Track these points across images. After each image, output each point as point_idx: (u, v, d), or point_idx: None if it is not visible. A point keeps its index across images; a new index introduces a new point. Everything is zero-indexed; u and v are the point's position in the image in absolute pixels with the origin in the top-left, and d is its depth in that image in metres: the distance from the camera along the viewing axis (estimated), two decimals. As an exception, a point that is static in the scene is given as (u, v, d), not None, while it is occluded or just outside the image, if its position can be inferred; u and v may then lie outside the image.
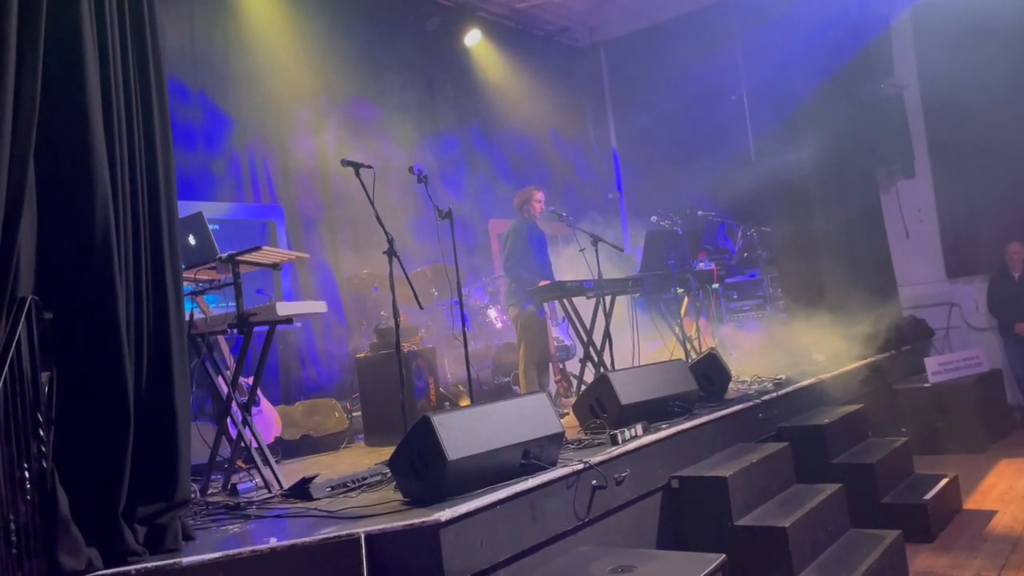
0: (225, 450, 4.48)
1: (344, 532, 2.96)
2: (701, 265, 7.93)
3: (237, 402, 4.28)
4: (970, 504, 5.78)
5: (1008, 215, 8.66)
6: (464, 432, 3.38)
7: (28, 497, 2.63)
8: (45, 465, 2.69)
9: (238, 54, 7.47)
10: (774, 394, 5.69)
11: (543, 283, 6.47)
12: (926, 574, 4.56)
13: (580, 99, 11.55)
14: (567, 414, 5.26)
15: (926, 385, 7.58)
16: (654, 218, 7.66)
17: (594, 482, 3.79)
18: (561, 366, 7.83)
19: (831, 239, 8.05)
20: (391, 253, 4.62)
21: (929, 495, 5.28)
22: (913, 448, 6.10)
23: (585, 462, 3.78)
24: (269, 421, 5.78)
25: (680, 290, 7.29)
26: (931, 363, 7.72)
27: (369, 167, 4.73)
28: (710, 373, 5.54)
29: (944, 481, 5.56)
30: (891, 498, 5.32)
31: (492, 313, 7.99)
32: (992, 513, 5.50)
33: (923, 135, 9.42)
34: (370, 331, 6.93)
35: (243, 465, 4.57)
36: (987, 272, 8.88)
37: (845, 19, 8.52)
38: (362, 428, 6.46)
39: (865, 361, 7.28)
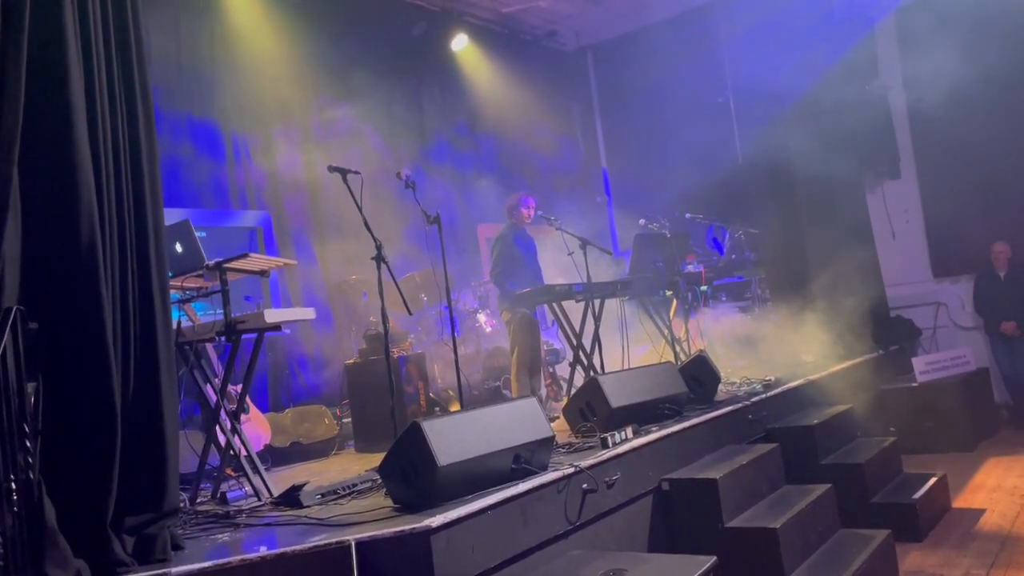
0: (214, 458, 4.45)
1: (334, 539, 2.95)
2: (690, 267, 7.96)
3: (226, 410, 4.26)
4: (959, 503, 5.81)
5: (993, 215, 8.72)
6: (454, 438, 3.38)
7: (15, 509, 2.60)
8: (32, 476, 2.67)
9: (224, 61, 7.45)
10: (763, 395, 5.72)
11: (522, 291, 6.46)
12: (916, 573, 4.58)
13: (568, 103, 11.57)
14: (557, 418, 5.26)
15: (914, 385, 7.61)
16: (642, 221, 7.69)
17: (585, 486, 3.79)
18: (551, 370, 7.84)
19: (818, 240, 8.08)
20: (379, 259, 4.61)
21: (918, 494, 5.31)
22: (902, 447, 6.14)
23: (576, 466, 3.78)
24: (258, 429, 5.75)
25: (669, 293, 7.31)
26: (918, 363, 7.76)
27: (356, 173, 4.72)
28: (699, 375, 5.56)
29: (933, 480, 5.59)
30: (880, 498, 5.34)
31: (482, 318, 7.99)
32: (981, 511, 5.53)
33: (908, 136, 9.48)
34: (359, 337, 6.91)
35: (232, 473, 4.55)
36: (973, 271, 8.93)
37: (829, 21, 8.58)
38: (352, 434, 6.44)
39: (853, 361, 7.31)
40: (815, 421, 5.58)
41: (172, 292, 3.73)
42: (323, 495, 3.86)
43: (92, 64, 3.09)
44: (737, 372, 7.05)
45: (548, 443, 3.80)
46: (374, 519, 3.23)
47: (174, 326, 3.50)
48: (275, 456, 5.93)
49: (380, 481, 3.73)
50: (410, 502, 3.35)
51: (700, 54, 10.02)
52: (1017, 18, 8.19)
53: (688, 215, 8.72)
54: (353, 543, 2.93)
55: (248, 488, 4.18)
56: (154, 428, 3.11)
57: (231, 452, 4.27)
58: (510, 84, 10.15)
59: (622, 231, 11.29)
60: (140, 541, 2.98)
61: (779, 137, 8.27)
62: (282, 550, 2.91)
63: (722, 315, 8.72)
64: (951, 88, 8.36)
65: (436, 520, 3.00)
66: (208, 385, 4.37)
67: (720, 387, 5.80)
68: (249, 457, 4.24)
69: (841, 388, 6.65)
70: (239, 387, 4.89)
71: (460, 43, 9.62)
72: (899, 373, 8.17)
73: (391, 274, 4.65)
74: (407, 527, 2.98)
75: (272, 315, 4.20)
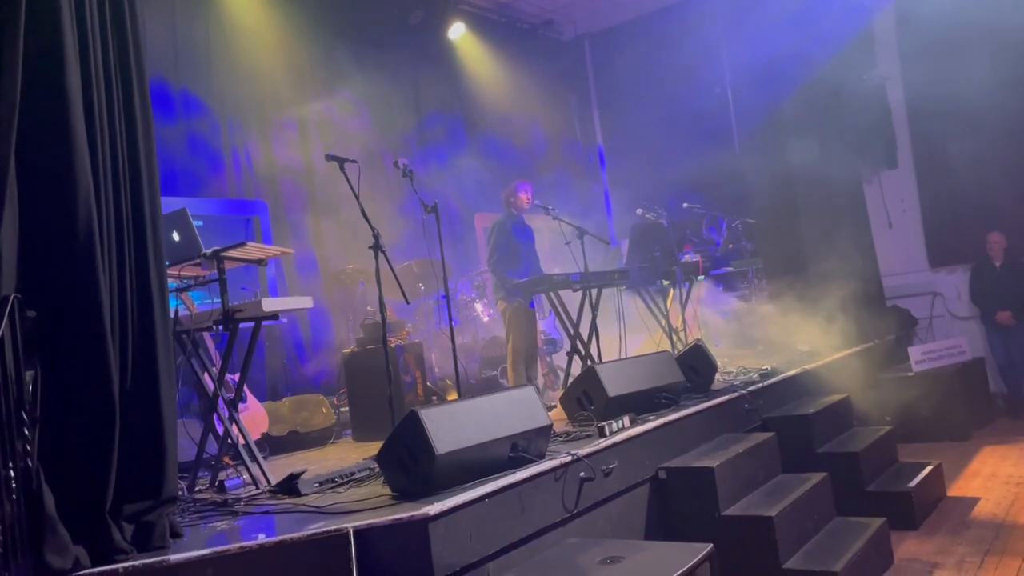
0: (212, 447, 4.47)
1: (333, 527, 2.96)
2: (687, 257, 7.96)
3: (223, 399, 4.27)
4: (954, 491, 5.84)
5: (989, 205, 8.72)
6: (452, 426, 3.39)
7: (14, 496, 2.61)
8: (30, 464, 2.67)
9: (220, 49, 7.42)
10: (760, 385, 5.73)
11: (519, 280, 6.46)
12: (911, 561, 4.60)
13: (565, 92, 11.55)
14: (554, 407, 5.27)
15: (910, 374, 7.64)
16: (639, 210, 7.67)
17: (582, 474, 3.80)
18: (548, 359, 7.85)
19: (815, 230, 8.09)
20: (377, 248, 4.61)
21: (913, 483, 5.33)
22: (897, 436, 6.16)
23: (573, 454, 3.79)
24: (256, 417, 5.76)
25: (666, 282, 7.32)
26: (915, 352, 7.79)
27: (354, 162, 4.71)
28: (696, 364, 5.57)
29: (928, 469, 5.62)
30: (876, 486, 5.36)
31: (479, 307, 8.00)
32: (976, 500, 5.56)
33: (905, 126, 9.48)
34: (356, 326, 6.92)
35: (230, 462, 4.55)
36: (969, 261, 8.96)
37: (828, 11, 8.55)
38: (350, 423, 6.45)
39: (849, 351, 7.33)
40: (811, 410, 5.60)
41: (169, 281, 3.73)
42: (321, 483, 3.87)
43: (89, 50, 3.07)
44: (734, 361, 7.07)
45: (546, 432, 3.81)
46: (372, 507, 3.24)
47: (172, 315, 3.50)
48: (273, 445, 5.94)
49: (378, 469, 3.73)
50: (408, 490, 3.36)
51: (698, 43, 9.99)
52: (1015, 8, 8.18)
53: (685, 204, 8.71)
54: (351, 531, 2.94)
55: (246, 476, 4.19)
56: (152, 416, 3.12)
57: (229, 441, 4.28)
58: (507, 73, 10.13)
59: (619, 220, 11.30)
60: (139, 528, 2.99)
61: (776, 127, 8.26)
62: (280, 538, 2.92)
63: (719, 304, 8.74)
64: (949, 78, 8.36)
65: (434, 508, 3.00)
66: (206, 374, 4.37)
67: (717, 376, 5.81)
68: (247, 445, 4.25)
69: (837, 377, 6.67)
70: (237, 376, 4.90)
71: (457, 31, 9.60)
72: (895, 362, 8.20)
73: (389, 263, 4.65)
74: (405, 515, 2.99)
75: (270, 304, 4.20)
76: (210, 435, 4.39)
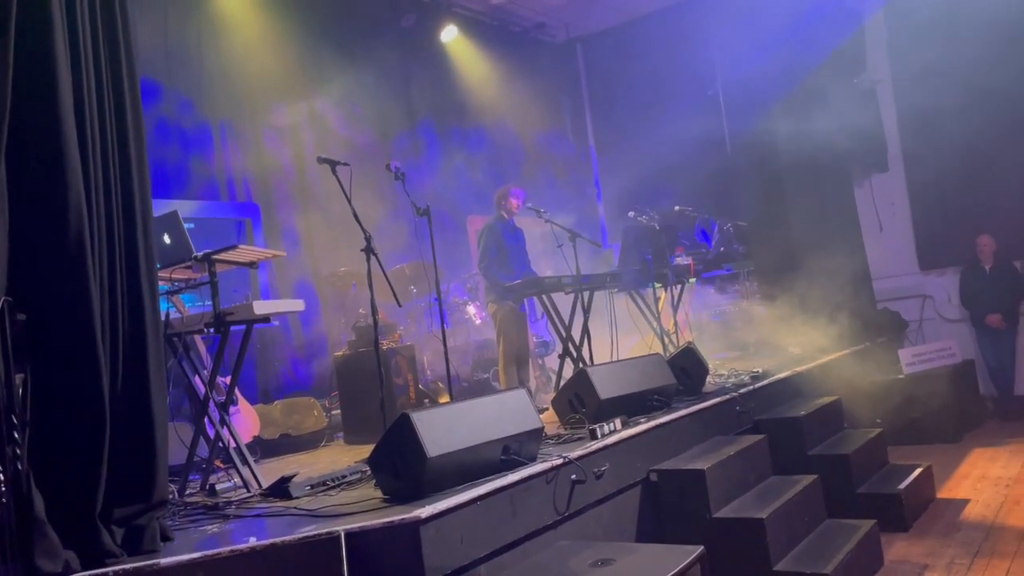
0: (203, 450, 4.45)
1: (324, 530, 2.95)
2: (679, 260, 7.98)
3: (215, 402, 4.26)
4: (944, 493, 5.86)
5: (979, 208, 8.76)
6: (444, 429, 3.39)
7: (3, 500, 2.60)
8: (20, 467, 2.66)
9: (212, 51, 7.41)
10: (751, 387, 5.74)
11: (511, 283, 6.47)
12: (901, 563, 4.62)
13: (557, 95, 11.57)
14: (546, 410, 5.28)
15: (900, 376, 7.67)
16: (631, 213, 7.68)
17: (573, 476, 3.81)
18: (540, 362, 7.86)
19: (806, 233, 8.12)
20: (369, 251, 4.61)
21: (903, 485, 5.35)
22: (888, 439, 6.18)
23: (565, 457, 3.80)
24: (247, 420, 5.75)
25: (658, 285, 7.34)
26: (905, 355, 7.82)
27: (346, 164, 4.72)
28: (688, 367, 5.58)
29: (918, 471, 5.64)
30: (866, 488, 5.38)
31: (471, 309, 8.00)
32: (965, 502, 5.59)
33: (896, 129, 9.52)
34: (348, 329, 6.91)
35: (221, 465, 4.54)
36: (959, 264, 9.00)
37: (819, 14, 8.59)
38: (341, 426, 6.44)
39: (840, 353, 7.35)
40: (802, 412, 5.62)
41: (160, 284, 3.72)
42: (312, 486, 3.86)
43: (80, 53, 3.06)
44: (725, 364, 7.09)
45: (537, 434, 3.81)
46: (363, 510, 3.24)
47: (163, 317, 3.50)
48: (264, 448, 5.93)
49: (369, 472, 3.73)
50: (399, 493, 3.36)
51: (690, 46, 10.03)
52: (1004, 13, 8.23)
53: (677, 207, 8.73)
54: (342, 534, 2.93)
55: (237, 479, 4.18)
56: (143, 419, 3.11)
57: (220, 444, 4.27)
58: (500, 76, 10.14)
59: (611, 223, 11.32)
60: (129, 532, 2.99)
61: (768, 130, 8.30)
62: (271, 541, 2.91)
63: (711, 307, 8.76)
64: (939, 82, 8.41)
65: (425, 511, 3.01)
66: (197, 377, 4.36)
67: (708, 379, 5.83)
68: (238, 448, 4.24)
69: (828, 380, 6.70)
70: (228, 379, 4.89)
71: (449, 34, 9.61)
72: (886, 365, 8.22)
73: (380, 266, 4.65)
74: (396, 518, 2.99)
75: (261, 307, 4.19)
76: (201, 438, 4.38)
